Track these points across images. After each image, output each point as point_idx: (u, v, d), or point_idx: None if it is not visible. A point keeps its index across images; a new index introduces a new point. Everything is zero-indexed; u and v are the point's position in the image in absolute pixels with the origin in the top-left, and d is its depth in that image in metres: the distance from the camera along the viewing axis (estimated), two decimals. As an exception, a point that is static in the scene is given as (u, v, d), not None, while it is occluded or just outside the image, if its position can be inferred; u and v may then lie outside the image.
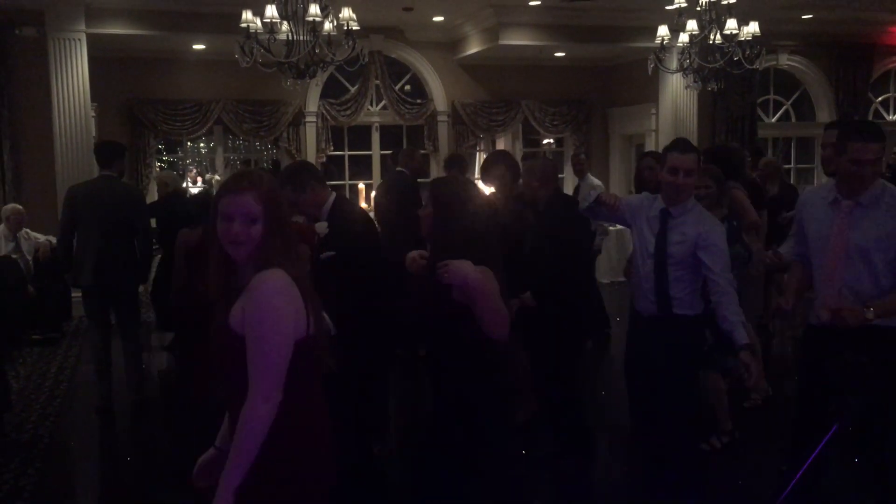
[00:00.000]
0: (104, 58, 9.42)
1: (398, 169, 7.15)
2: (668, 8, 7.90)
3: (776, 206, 6.81)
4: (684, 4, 7.72)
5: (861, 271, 3.19)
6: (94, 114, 9.26)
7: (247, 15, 6.73)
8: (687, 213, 3.67)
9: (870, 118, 12.25)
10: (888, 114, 12.67)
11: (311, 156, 10.85)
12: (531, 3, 9.50)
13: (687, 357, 3.76)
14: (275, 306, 2.05)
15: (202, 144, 11.57)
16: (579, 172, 8.14)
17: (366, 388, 4.16)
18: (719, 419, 4.77)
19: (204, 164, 11.57)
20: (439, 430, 2.74)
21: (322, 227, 3.93)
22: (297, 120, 10.75)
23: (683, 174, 3.61)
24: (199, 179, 12.32)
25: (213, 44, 9.47)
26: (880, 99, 12.52)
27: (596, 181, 8.43)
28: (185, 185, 11.17)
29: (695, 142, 10.32)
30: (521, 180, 4.80)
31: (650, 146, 11.42)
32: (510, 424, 2.83)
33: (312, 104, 10.79)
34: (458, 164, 7.53)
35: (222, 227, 2.10)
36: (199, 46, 9.84)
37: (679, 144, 3.74)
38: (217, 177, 10.58)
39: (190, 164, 12.08)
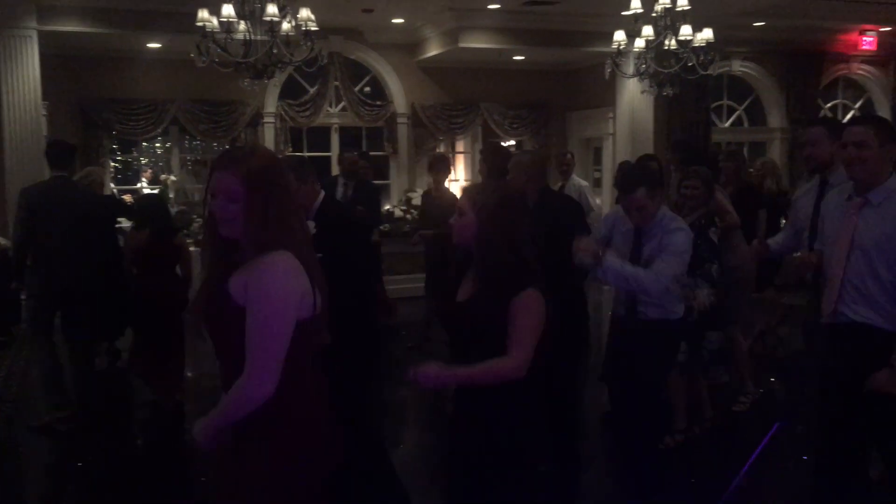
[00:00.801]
0: (56, 55, 9.22)
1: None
2: (624, 13, 8.01)
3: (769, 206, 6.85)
4: (640, 10, 7.84)
5: (865, 269, 3.20)
6: (45, 113, 9.07)
7: (203, 14, 6.66)
8: (657, 226, 3.82)
9: (819, 124, 12.55)
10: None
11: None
12: (490, 7, 9.55)
13: (654, 361, 3.82)
14: (279, 291, 2.06)
15: (158, 144, 11.40)
16: (564, 173, 8.11)
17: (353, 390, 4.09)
18: (675, 418, 4.84)
19: (160, 165, 11.38)
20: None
21: (310, 226, 3.89)
22: (255, 121, 10.66)
23: (636, 210, 3.79)
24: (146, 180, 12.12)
25: (169, 43, 9.34)
26: (829, 105, 12.84)
27: (582, 182, 8.46)
28: (140, 184, 11.05)
29: (651, 145, 10.54)
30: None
31: (608, 150, 11.58)
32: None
33: (271, 105, 10.70)
34: (444, 165, 7.48)
35: (210, 203, 2.14)
36: (154, 45, 9.69)
37: (624, 186, 3.91)
38: (172, 177, 10.42)
39: (145, 164, 11.90)
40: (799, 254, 3.83)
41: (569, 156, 8.40)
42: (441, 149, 11.50)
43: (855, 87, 12.99)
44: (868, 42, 11.96)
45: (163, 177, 10.72)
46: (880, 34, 11.85)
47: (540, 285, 2.52)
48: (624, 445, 4.02)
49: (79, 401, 5.52)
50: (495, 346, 2.48)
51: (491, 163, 5.90)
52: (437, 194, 7.36)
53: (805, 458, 4.61)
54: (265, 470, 2.11)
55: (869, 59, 12.42)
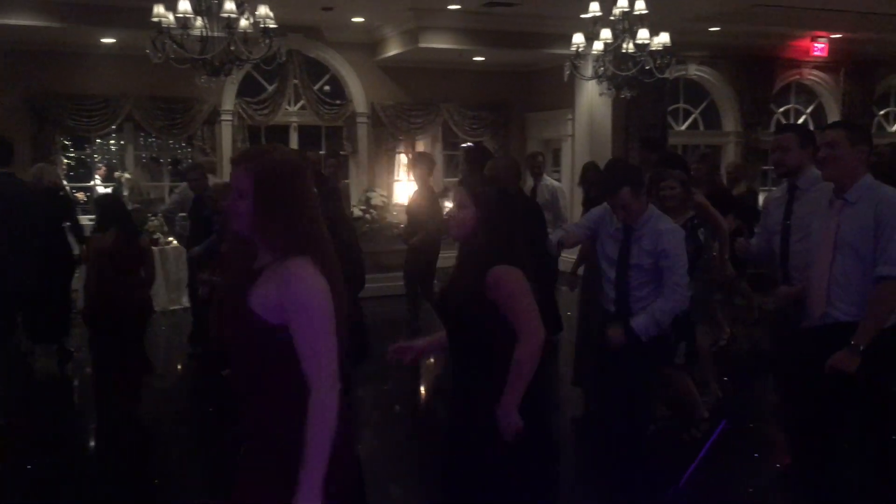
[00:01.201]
0: (6, 49, 9.01)
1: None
2: (583, 16, 8.09)
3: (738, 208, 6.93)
4: (599, 13, 7.93)
5: (849, 268, 3.30)
6: (-7, 108, 8.85)
7: (159, 9, 6.56)
8: (645, 226, 3.85)
9: (771, 129, 12.83)
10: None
11: (226, 155, 10.64)
12: (450, 8, 9.57)
13: (639, 356, 3.84)
14: (319, 298, 2.04)
15: (112, 142, 11.18)
16: (536, 175, 8.12)
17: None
18: (694, 411, 4.89)
19: (114, 162, 11.16)
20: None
21: None
22: (213, 118, 10.53)
23: (621, 209, 3.84)
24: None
25: (124, 38, 9.18)
26: (782, 110, 13.12)
27: (555, 182, 8.50)
28: (93, 182, 10.82)
29: (609, 147, 10.66)
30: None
31: (567, 151, 11.68)
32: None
33: (228, 102, 10.58)
34: (427, 162, 7.43)
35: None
36: (108, 40, 9.52)
37: (608, 186, 3.96)
38: (127, 175, 10.24)
39: (99, 161, 11.65)
40: (782, 287, 3.96)
41: (540, 157, 8.45)
42: (401, 149, 11.48)
43: (807, 93, 13.29)
44: (819, 49, 12.26)
45: (117, 174, 10.52)
46: (831, 41, 12.15)
47: (520, 264, 2.63)
48: (610, 444, 4.03)
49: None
50: (481, 325, 2.60)
51: (477, 163, 6.07)
52: (422, 194, 7.26)
53: (756, 454, 4.74)
54: (287, 480, 2.04)
55: (820, 65, 12.72)
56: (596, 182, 7.52)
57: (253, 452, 2.15)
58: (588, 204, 7.62)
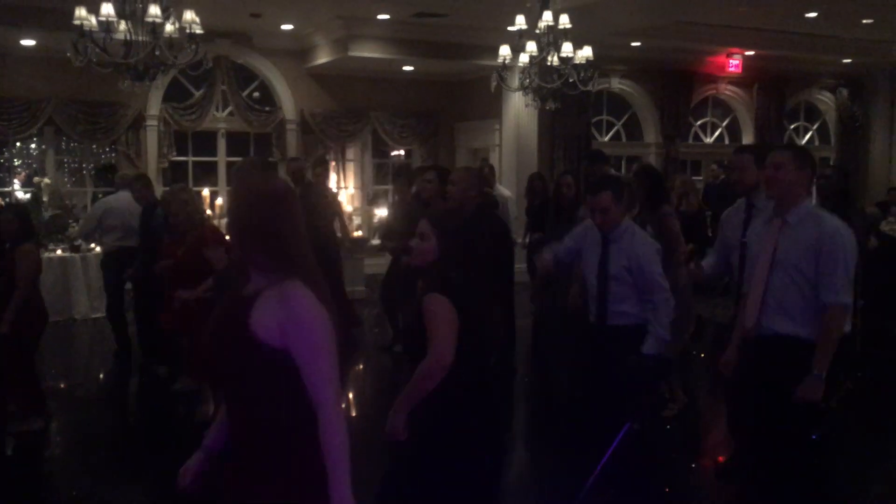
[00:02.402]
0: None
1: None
2: (510, 29, 8.28)
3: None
4: (524, 27, 8.11)
5: (786, 283, 3.46)
6: None
7: (80, 12, 6.44)
8: (621, 238, 3.98)
9: (689, 140, 13.35)
10: (706, 136, 13.83)
11: (152, 161, 10.48)
12: (380, 17, 9.66)
13: (617, 361, 3.94)
14: (320, 319, 2.08)
15: (33, 146, 10.84)
16: (488, 185, 8.14)
17: None
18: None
19: (34, 167, 10.83)
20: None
21: None
22: (138, 123, 10.35)
23: (600, 211, 3.96)
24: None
25: (44, 40, 8.96)
26: (699, 122, 13.65)
27: (505, 192, 8.58)
28: (12, 187, 10.47)
29: (535, 158, 10.90)
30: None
31: (495, 160, 11.84)
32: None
33: (154, 107, 10.42)
34: (407, 175, 7.33)
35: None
36: (28, 42, 9.28)
37: (590, 188, 4.09)
38: (46, 180, 9.96)
39: (18, 165, 11.29)
40: (693, 265, 4.23)
41: (486, 169, 8.50)
42: (330, 156, 11.47)
43: (723, 107, 13.87)
44: (734, 65, 12.82)
45: (36, 179, 10.22)
46: (745, 57, 12.72)
47: (450, 294, 2.74)
48: (590, 437, 4.14)
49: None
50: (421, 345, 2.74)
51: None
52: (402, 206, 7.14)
53: (673, 455, 4.94)
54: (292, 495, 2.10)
55: (735, 80, 13.30)
56: (540, 192, 7.72)
57: (249, 480, 2.14)
58: (531, 213, 7.79)
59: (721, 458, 4.72)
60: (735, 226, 4.26)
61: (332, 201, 8.37)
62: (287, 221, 2.15)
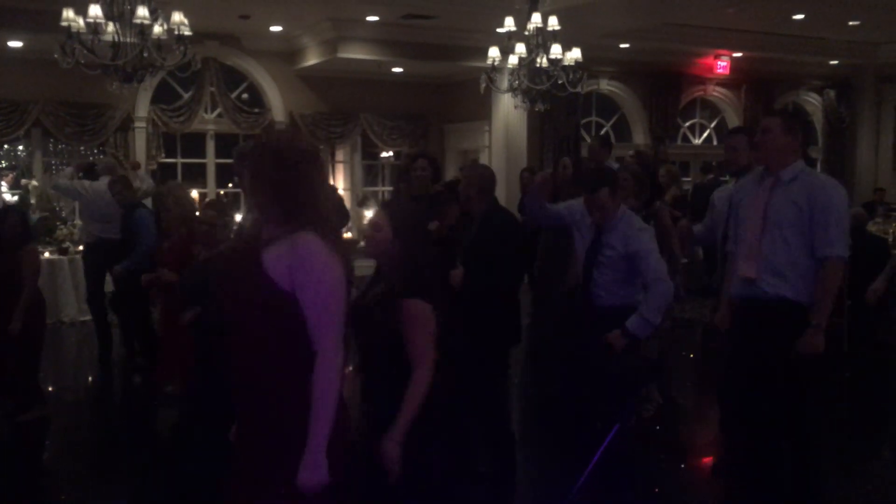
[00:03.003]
0: None
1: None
2: (499, 31, 8.30)
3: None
4: (514, 29, 8.13)
5: (777, 243, 3.48)
6: None
7: (68, 13, 6.41)
8: (616, 226, 3.97)
9: (678, 142, 13.40)
10: (694, 137, 13.89)
11: (140, 162, 10.41)
12: (369, 19, 9.66)
13: (601, 343, 3.91)
14: (330, 266, 2.10)
15: (20, 148, 10.78)
16: None
17: None
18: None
19: (21, 169, 10.76)
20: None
21: None
22: (126, 125, 10.31)
23: (598, 209, 3.96)
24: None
25: (32, 42, 8.91)
26: (688, 124, 13.71)
27: None
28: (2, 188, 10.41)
29: (524, 159, 10.92)
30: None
31: (484, 161, 11.87)
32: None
33: (142, 109, 10.38)
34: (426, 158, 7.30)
35: None
36: (15, 43, 9.22)
37: (588, 186, 4.07)
38: (34, 182, 9.91)
39: (6, 167, 11.23)
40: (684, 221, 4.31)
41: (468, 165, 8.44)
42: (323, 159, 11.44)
43: (711, 108, 13.94)
44: (722, 66, 12.90)
45: (24, 182, 10.17)
46: (733, 59, 12.79)
47: (430, 298, 2.70)
48: (571, 432, 4.14)
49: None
50: (392, 348, 2.67)
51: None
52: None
53: (662, 456, 4.96)
54: (289, 453, 2.10)
55: (723, 82, 13.37)
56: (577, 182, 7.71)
57: (252, 431, 2.18)
58: (524, 209, 7.80)
59: (710, 458, 4.74)
60: (724, 201, 4.30)
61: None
62: (305, 177, 2.18)
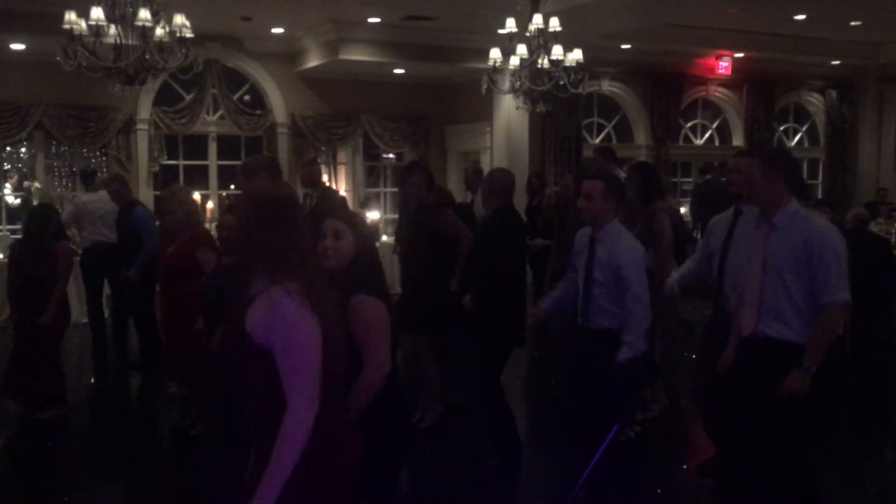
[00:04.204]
0: None
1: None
2: (500, 32, 8.30)
3: None
4: (515, 30, 8.13)
5: (777, 290, 3.47)
6: None
7: (70, 16, 6.42)
8: (606, 238, 3.94)
9: (680, 142, 13.40)
10: (696, 138, 13.88)
11: (142, 165, 10.46)
12: (370, 20, 9.67)
13: (599, 364, 3.90)
14: (299, 321, 2.14)
15: (23, 150, 10.81)
16: (472, 188, 8.06)
17: None
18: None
19: (24, 171, 10.79)
20: None
21: None
22: (128, 127, 10.33)
23: (585, 197, 3.93)
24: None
25: (34, 44, 8.94)
26: (689, 125, 13.70)
27: None
28: (4, 191, 10.43)
29: (526, 160, 10.92)
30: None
31: (485, 163, 11.88)
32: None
33: (144, 111, 10.40)
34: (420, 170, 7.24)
35: None
36: (17, 46, 9.24)
37: (585, 172, 4.05)
38: (37, 184, 9.93)
39: (9, 169, 11.26)
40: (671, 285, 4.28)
41: (470, 169, 8.38)
42: (321, 159, 11.47)
43: (712, 109, 13.93)
44: (724, 67, 12.89)
45: (26, 184, 10.19)
46: (734, 59, 12.79)
47: (383, 297, 2.71)
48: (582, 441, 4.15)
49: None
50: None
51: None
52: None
53: (663, 457, 4.96)
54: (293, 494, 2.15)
55: (724, 82, 13.35)
56: (538, 190, 7.67)
57: (257, 466, 2.22)
58: (530, 213, 7.79)
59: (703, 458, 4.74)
60: (720, 232, 4.29)
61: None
62: (284, 230, 2.22)
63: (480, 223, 4.84)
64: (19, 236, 6.18)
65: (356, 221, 2.78)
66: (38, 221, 5.52)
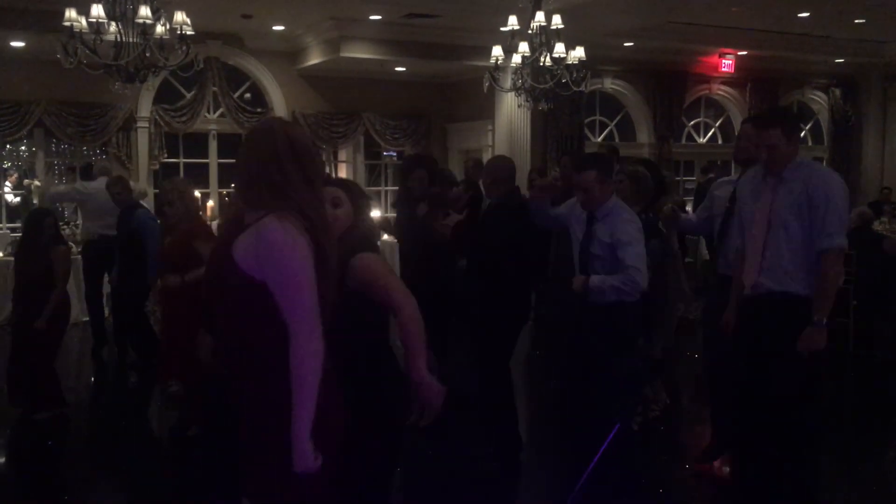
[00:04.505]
0: None
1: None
2: (502, 29, 8.26)
3: None
4: (517, 27, 8.10)
5: (781, 241, 3.48)
6: None
7: (70, 13, 6.40)
8: (606, 217, 3.93)
9: (682, 141, 13.36)
10: (699, 136, 13.84)
11: (143, 162, 10.44)
12: (371, 18, 9.64)
13: (602, 340, 3.90)
14: (292, 248, 2.07)
15: (23, 148, 10.80)
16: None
17: None
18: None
19: (24, 169, 10.77)
20: None
21: None
22: (128, 125, 10.30)
23: (582, 190, 3.93)
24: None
25: (34, 42, 8.90)
26: (692, 123, 13.66)
27: None
28: (4, 189, 10.41)
29: (527, 158, 10.88)
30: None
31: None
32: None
33: (145, 109, 10.37)
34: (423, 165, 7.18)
35: None
36: (17, 43, 9.22)
37: (576, 165, 4.07)
38: (37, 182, 9.90)
39: (9, 167, 11.25)
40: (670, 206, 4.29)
41: (469, 162, 8.33)
42: (323, 157, 11.44)
43: (715, 107, 13.88)
44: (727, 65, 12.84)
45: (26, 182, 10.17)
46: (738, 57, 12.73)
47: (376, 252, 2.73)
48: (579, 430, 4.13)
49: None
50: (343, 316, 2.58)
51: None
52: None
53: (665, 457, 4.94)
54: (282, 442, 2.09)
55: (728, 80, 13.30)
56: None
57: (250, 422, 2.18)
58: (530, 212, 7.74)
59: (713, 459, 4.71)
60: (724, 197, 4.29)
61: None
62: (273, 156, 2.17)
63: (488, 209, 4.83)
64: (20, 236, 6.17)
65: (352, 188, 2.77)
66: (33, 225, 5.52)
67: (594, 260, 3.94)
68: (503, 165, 4.84)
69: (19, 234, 9.42)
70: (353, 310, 2.58)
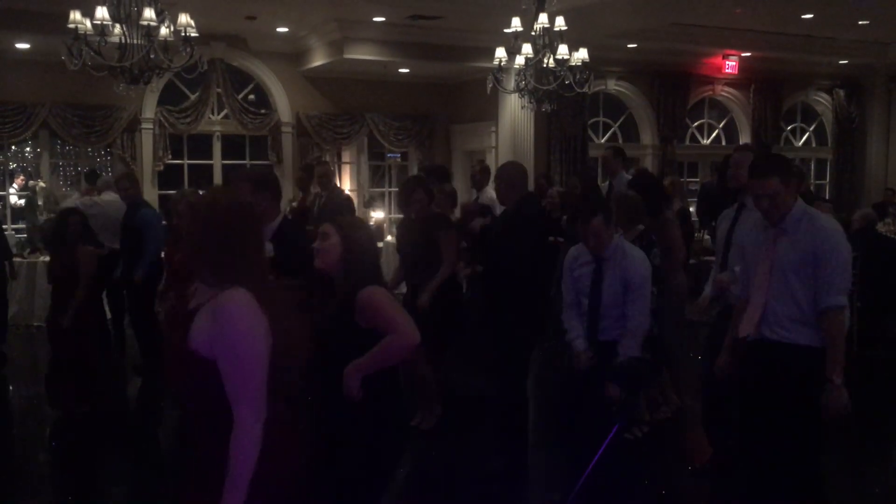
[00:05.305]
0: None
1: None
2: (505, 31, 8.26)
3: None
4: (520, 29, 8.11)
5: (782, 292, 3.46)
6: None
7: (75, 15, 6.42)
8: (613, 257, 4.07)
9: (686, 142, 13.34)
10: (703, 138, 13.82)
11: (147, 164, 10.46)
12: (375, 19, 9.66)
13: (605, 374, 3.98)
14: (245, 324, 2.08)
15: (28, 149, 10.83)
16: (478, 185, 8.05)
17: None
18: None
19: (29, 170, 10.80)
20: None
21: (267, 249, 3.76)
22: (133, 126, 10.32)
23: (592, 237, 4.05)
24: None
25: (39, 43, 8.95)
26: (696, 124, 13.64)
27: (494, 194, 8.48)
28: (10, 190, 10.44)
29: (531, 159, 10.87)
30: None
31: (491, 163, 11.82)
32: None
33: (149, 110, 10.40)
34: (441, 174, 7.18)
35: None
36: (22, 45, 9.25)
37: (580, 215, 4.15)
38: (42, 183, 9.94)
39: (14, 169, 11.29)
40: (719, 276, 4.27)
41: (476, 167, 8.38)
42: (327, 158, 11.46)
43: (719, 108, 13.86)
44: (730, 66, 12.82)
45: (31, 183, 10.20)
46: (741, 59, 12.72)
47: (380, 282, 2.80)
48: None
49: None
50: (348, 351, 2.71)
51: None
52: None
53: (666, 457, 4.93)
54: None
55: (731, 81, 13.29)
56: (546, 191, 7.66)
57: (199, 486, 2.18)
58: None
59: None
60: (724, 228, 4.32)
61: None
62: (229, 234, 2.16)
63: (503, 216, 4.85)
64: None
65: (345, 223, 2.82)
66: (56, 225, 5.68)
67: (605, 302, 4.09)
68: (516, 171, 4.85)
69: (23, 236, 9.54)
70: (362, 348, 2.67)
